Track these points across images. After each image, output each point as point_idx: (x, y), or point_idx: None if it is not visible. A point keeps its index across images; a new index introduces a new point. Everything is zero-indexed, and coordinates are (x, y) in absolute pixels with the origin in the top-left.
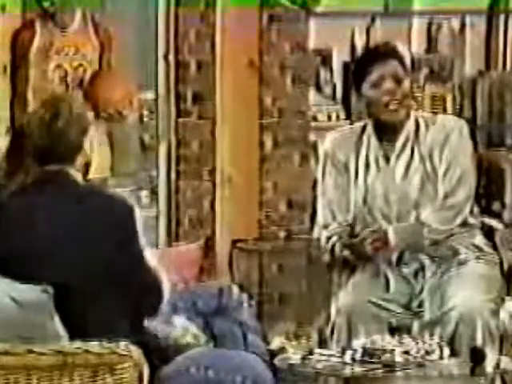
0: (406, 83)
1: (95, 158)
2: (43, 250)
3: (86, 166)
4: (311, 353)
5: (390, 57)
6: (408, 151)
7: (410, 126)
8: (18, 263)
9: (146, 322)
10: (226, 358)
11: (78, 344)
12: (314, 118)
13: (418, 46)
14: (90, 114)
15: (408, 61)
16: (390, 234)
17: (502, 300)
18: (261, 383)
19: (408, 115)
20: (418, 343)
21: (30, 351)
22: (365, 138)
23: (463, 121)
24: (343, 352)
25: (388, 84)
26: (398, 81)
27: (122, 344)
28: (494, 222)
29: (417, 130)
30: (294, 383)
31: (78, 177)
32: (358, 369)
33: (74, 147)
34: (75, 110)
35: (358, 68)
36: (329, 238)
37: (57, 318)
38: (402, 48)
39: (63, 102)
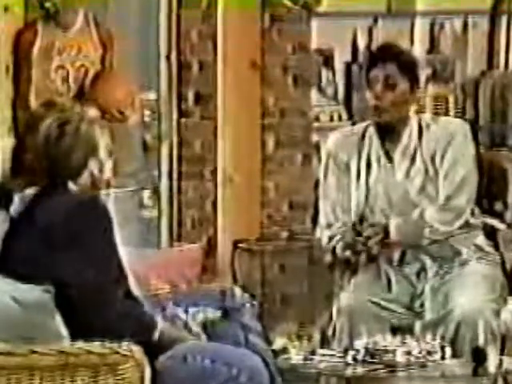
0: (402, 86)
1: (107, 176)
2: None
3: (94, 183)
4: (313, 353)
5: (388, 60)
6: (410, 152)
7: (412, 127)
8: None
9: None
10: (223, 351)
11: (79, 344)
12: (316, 119)
13: (420, 46)
14: (102, 133)
15: (412, 64)
16: (391, 230)
17: (504, 300)
18: (256, 379)
19: (404, 117)
20: (419, 343)
21: (32, 351)
22: (367, 138)
23: (466, 123)
24: (345, 352)
25: (378, 88)
26: (392, 85)
27: (124, 344)
28: (496, 222)
29: (419, 132)
30: (296, 383)
31: (75, 191)
32: (359, 369)
33: (76, 168)
34: (83, 130)
35: (366, 69)
36: (330, 238)
37: (58, 318)
38: (406, 50)
39: (70, 121)
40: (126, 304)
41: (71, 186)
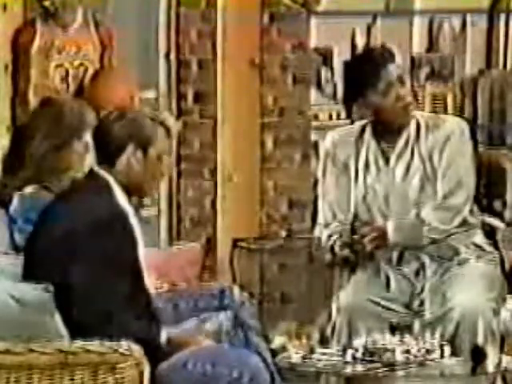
0: (408, 81)
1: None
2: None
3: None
4: (312, 352)
5: (389, 61)
6: (408, 152)
7: (410, 126)
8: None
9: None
10: (223, 354)
11: (79, 343)
12: (315, 117)
13: (418, 45)
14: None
15: (398, 58)
16: (388, 230)
17: (503, 299)
18: (257, 379)
19: (406, 115)
20: (418, 342)
21: (31, 350)
22: (365, 137)
23: (464, 122)
24: (344, 351)
25: (399, 90)
26: (403, 82)
27: (123, 343)
28: (495, 221)
29: (417, 131)
30: (296, 382)
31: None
32: (359, 368)
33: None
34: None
35: (360, 76)
36: (329, 237)
37: (58, 317)
38: (394, 48)
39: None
40: (134, 325)
41: None
